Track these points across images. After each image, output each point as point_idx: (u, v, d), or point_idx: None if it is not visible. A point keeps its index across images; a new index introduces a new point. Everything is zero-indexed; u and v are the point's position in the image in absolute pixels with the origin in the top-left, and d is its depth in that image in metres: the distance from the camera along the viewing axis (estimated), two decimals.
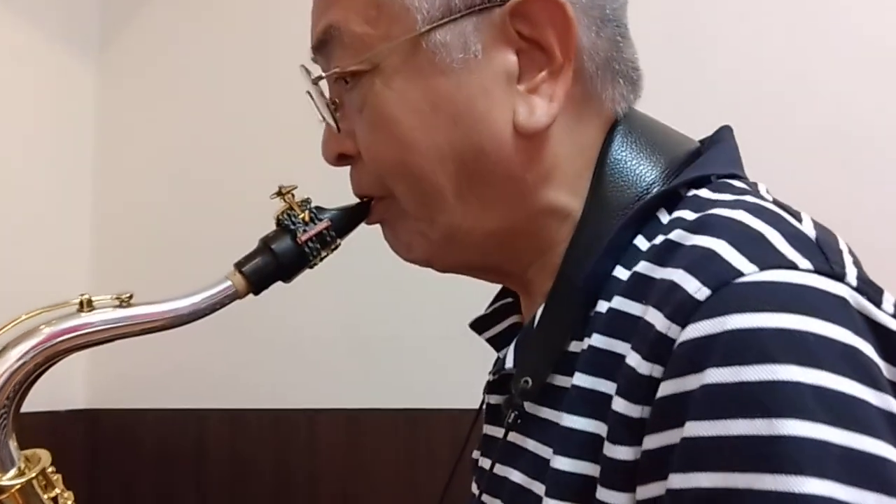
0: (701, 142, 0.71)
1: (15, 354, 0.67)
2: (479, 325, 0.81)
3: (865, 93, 1.40)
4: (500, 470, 0.67)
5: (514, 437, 0.66)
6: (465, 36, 0.64)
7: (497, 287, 0.81)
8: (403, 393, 1.74)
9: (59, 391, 1.96)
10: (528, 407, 0.64)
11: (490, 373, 0.74)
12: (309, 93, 0.72)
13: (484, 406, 0.78)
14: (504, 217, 0.67)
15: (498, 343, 0.80)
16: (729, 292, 0.50)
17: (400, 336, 1.76)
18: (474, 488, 0.76)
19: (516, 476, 0.66)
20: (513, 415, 0.64)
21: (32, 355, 0.67)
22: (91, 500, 1.96)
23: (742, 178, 0.66)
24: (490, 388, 0.74)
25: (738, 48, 1.48)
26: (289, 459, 1.84)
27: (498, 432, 0.72)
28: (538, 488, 0.61)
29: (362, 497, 1.77)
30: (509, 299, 0.80)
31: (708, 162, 0.66)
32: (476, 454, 0.79)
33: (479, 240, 0.68)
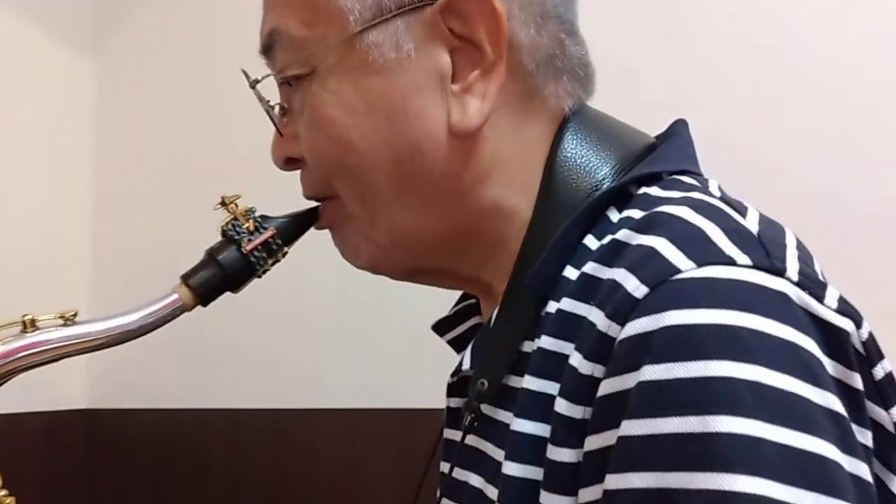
0: (656, 137, 0.70)
1: None
2: (440, 327, 0.81)
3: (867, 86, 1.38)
4: (459, 474, 0.67)
5: (471, 440, 0.66)
6: (397, 35, 0.63)
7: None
8: (402, 393, 1.73)
9: (58, 391, 1.97)
10: (485, 409, 0.63)
11: (450, 375, 0.73)
12: (262, 102, 0.72)
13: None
14: (446, 217, 0.67)
15: (458, 345, 0.79)
16: (665, 289, 0.50)
17: (399, 336, 1.76)
18: (438, 493, 0.75)
19: (475, 480, 0.65)
20: (469, 417, 0.63)
21: None
22: (90, 500, 1.97)
23: (694, 173, 0.65)
24: (450, 391, 0.74)
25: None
26: (287, 459, 1.84)
27: (457, 436, 0.72)
28: (492, 493, 0.61)
29: (361, 497, 1.77)
30: (472, 300, 0.79)
31: (660, 158, 0.66)
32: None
33: (425, 242, 0.68)
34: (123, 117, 2.16)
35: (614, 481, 0.47)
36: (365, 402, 1.76)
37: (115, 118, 2.17)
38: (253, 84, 0.70)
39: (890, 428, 0.51)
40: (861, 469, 0.47)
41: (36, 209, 2.03)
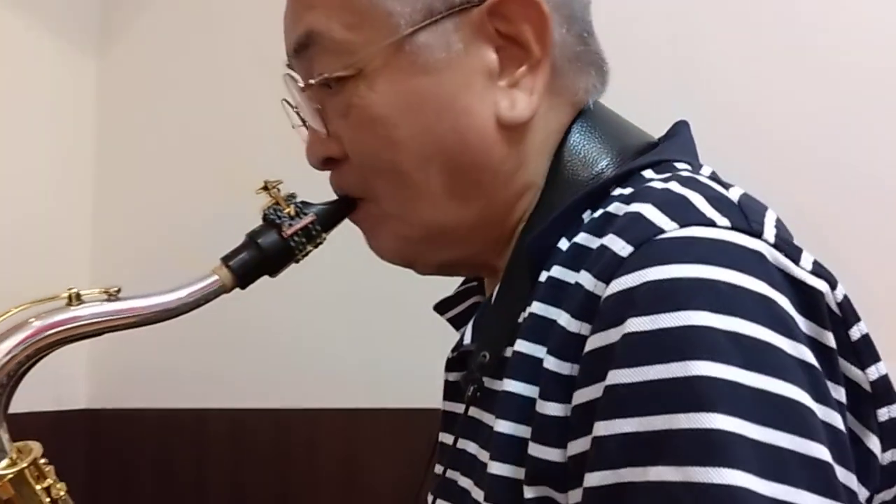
0: (659, 138, 0.74)
1: (4, 348, 0.68)
2: (442, 307, 0.84)
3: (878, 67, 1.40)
4: (462, 444, 0.69)
5: (473, 411, 0.68)
6: (446, 36, 0.66)
7: None
8: (403, 392, 1.74)
9: (59, 391, 1.96)
10: (486, 381, 0.66)
11: (451, 351, 0.75)
12: (286, 101, 0.74)
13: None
14: (482, 209, 0.70)
15: (458, 322, 0.83)
16: (649, 247, 0.53)
17: (400, 335, 1.77)
18: (438, 468, 0.78)
19: (472, 447, 0.68)
20: (472, 388, 0.66)
21: (22, 348, 0.68)
22: (91, 500, 1.96)
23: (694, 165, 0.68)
24: (449, 365, 0.76)
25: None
26: (289, 458, 1.84)
27: (457, 408, 0.75)
28: (485, 456, 0.63)
29: (362, 497, 1.77)
30: (474, 283, 0.83)
31: (661, 151, 0.69)
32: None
33: (461, 235, 0.71)
34: (124, 117, 2.16)
35: (602, 427, 0.50)
36: (367, 402, 1.77)
37: (117, 118, 2.17)
38: (305, 87, 0.70)
39: (866, 387, 0.55)
40: (833, 418, 0.51)
41: (38, 207, 2.03)
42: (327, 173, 0.75)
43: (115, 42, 2.20)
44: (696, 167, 0.67)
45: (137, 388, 2.05)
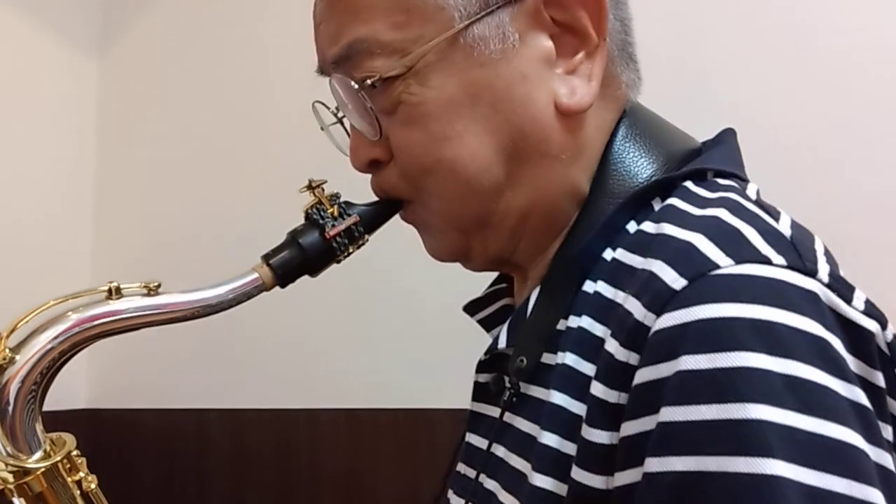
0: (703, 143, 0.73)
1: (43, 339, 0.67)
2: (471, 308, 0.83)
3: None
4: (496, 449, 0.69)
5: (506, 415, 0.68)
6: (502, 27, 0.65)
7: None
8: (404, 392, 1.74)
9: (60, 391, 1.93)
10: (522, 386, 0.66)
11: (484, 353, 0.75)
12: (319, 102, 0.73)
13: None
14: (533, 196, 0.69)
15: (488, 324, 0.82)
16: (705, 283, 0.52)
17: (400, 335, 1.77)
18: (462, 468, 0.77)
19: (500, 451, 0.67)
20: (508, 393, 0.66)
21: (60, 340, 0.67)
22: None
23: (740, 177, 0.68)
24: (480, 367, 0.76)
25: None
26: (290, 459, 1.84)
27: (485, 409, 0.75)
28: (523, 465, 0.63)
29: (363, 497, 1.77)
30: (503, 285, 0.82)
31: (707, 159, 0.69)
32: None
33: (511, 223, 0.70)
34: (127, 116, 2.18)
35: (655, 464, 0.50)
36: (368, 402, 1.78)
37: (119, 116, 2.19)
38: (360, 87, 0.67)
39: None
40: (885, 459, 0.50)
41: (38, 206, 2.04)
42: (341, 177, 0.75)
43: (117, 43, 2.21)
44: (743, 184, 0.66)
45: (138, 388, 2.05)
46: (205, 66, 2.09)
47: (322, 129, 0.76)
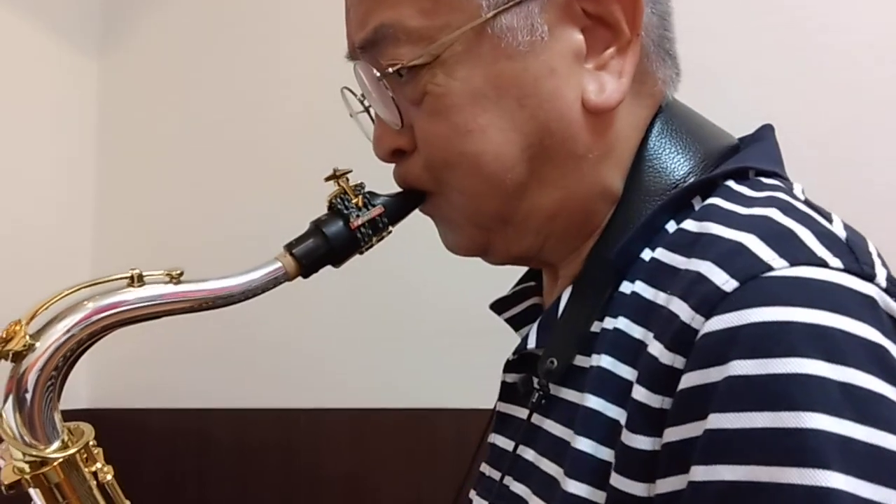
0: (740, 139, 0.72)
1: (62, 328, 0.67)
2: (498, 306, 0.81)
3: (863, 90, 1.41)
4: (522, 451, 0.67)
5: (534, 417, 0.66)
6: (531, 18, 0.63)
7: (517, 272, 0.82)
8: (408, 392, 1.74)
9: (63, 390, 1.94)
10: (552, 388, 0.64)
11: (512, 353, 0.73)
12: (346, 88, 0.71)
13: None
14: (562, 197, 0.67)
15: (516, 323, 0.80)
16: (757, 285, 0.51)
17: (404, 335, 1.76)
18: (486, 469, 0.76)
19: (530, 455, 0.66)
20: (537, 395, 0.64)
21: (82, 328, 0.67)
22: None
23: (782, 176, 0.66)
24: (508, 367, 0.74)
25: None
26: (293, 459, 1.83)
27: (512, 410, 0.73)
28: (555, 470, 0.61)
29: (367, 497, 1.76)
30: (531, 283, 0.81)
31: (748, 157, 0.67)
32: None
33: (536, 223, 0.68)
34: (127, 115, 2.18)
35: (702, 473, 0.48)
36: (372, 402, 1.77)
37: (119, 116, 2.19)
38: (382, 76, 0.66)
39: None
40: None
41: (40, 207, 2.04)
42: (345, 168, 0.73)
43: (117, 43, 2.21)
44: (788, 183, 0.64)
45: (140, 388, 2.04)
46: (205, 66, 2.09)
47: (350, 116, 0.75)
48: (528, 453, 0.66)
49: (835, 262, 0.52)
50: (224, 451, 1.91)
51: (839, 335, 0.48)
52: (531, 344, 0.67)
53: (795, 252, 0.52)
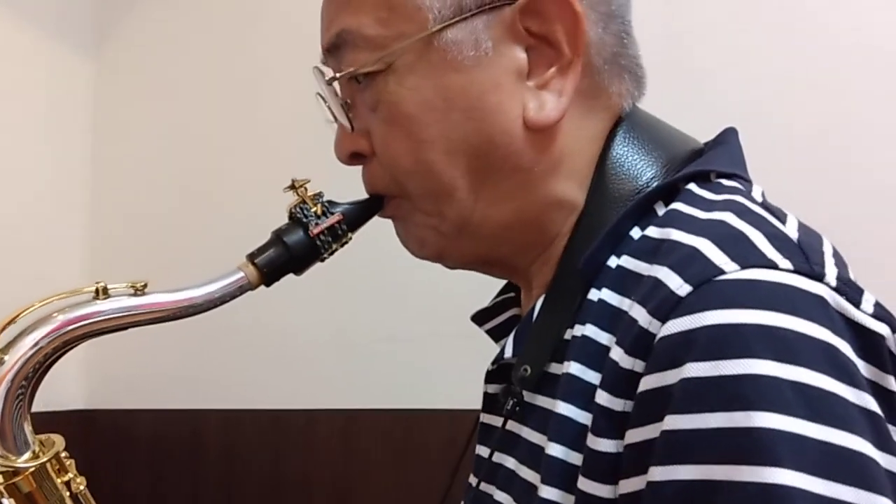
0: (705, 144, 0.73)
1: (30, 340, 0.68)
2: (479, 318, 0.83)
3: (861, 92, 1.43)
4: (499, 458, 0.69)
5: (511, 425, 0.68)
6: (476, 33, 0.66)
7: (500, 283, 0.83)
8: (399, 394, 1.75)
9: (55, 391, 1.94)
10: (526, 395, 0.66)
11: (491, 363, 0.75)
12: (319, 94, 0.73)
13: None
14: (514, 209, 0.69)
15: (496, 334, 0.82)
16: (710, 289, 0.52)
17: (395, 337, 1.77)
18: (472, 479, 0.77)
19: (510, 462, 0.67)
20: (511, 402, 0.66)
21: (49, 340, 0.68)
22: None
23: (744, 178, 0.67)
24: (488, 377, 0.76)
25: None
26: (285, 460, 1.85)
27: (494, 421, 0.74)
28: (534, 477, 0.62)
29: (357, 498, 1.78)
30: (511, 294, 0.82)
31: (709, 160, 0.68)
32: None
33: (489, 232, 0.70)
34: (121, 115, 2.17)
35: (660, 473, 0.49)
36: (363, 403, 1.78)
37: (113, 116, 2.18)
38: (330, 81, 0.70)
39: None
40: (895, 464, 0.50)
41: (32, 206, 2.04)
42: (334, 175, 0.75)
43: (109, 42, 2.20)
44: (748, 186, 0.65)
45: (132, 389, 2.05)
46: (201, 61, 2.09)
47: (327, 121, 0.76)
48: (509, 461, 0.67)
49: (784, 263, 0.53)
50: (216, 452, 1.92)
51: (790, 335, 0.49)
52: (508, 353, 0.69)
53: (746, 255, 0.53)
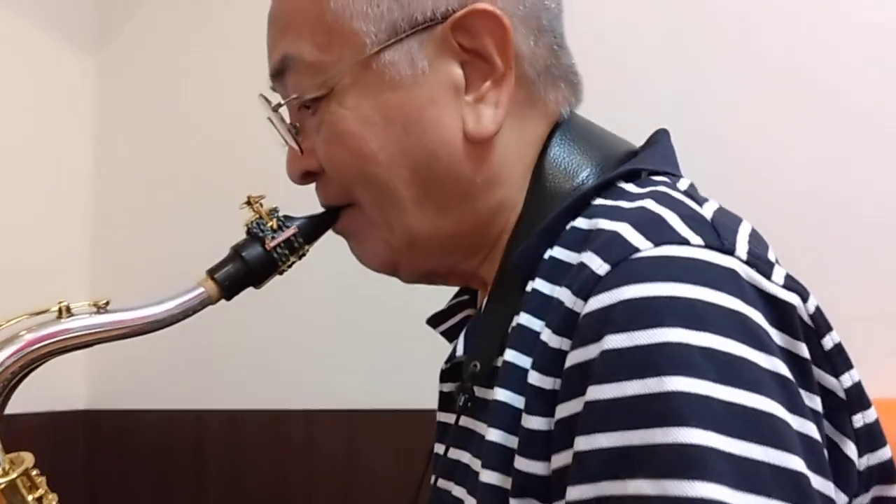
0: (640, 147, 0.75)
1: None
2: (434, 320, 0.86)
3: (865, 88, 1.43)
4: (454, 454, 0.71)
5: (465, 420, 0.70)
6: (411, 53, 0.68)
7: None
8: (401, 394, 1.76)
9: (58, 392, 1.99)
10: (477, 391, 0.68)
11: (444, 363, 0.77)
12: (270, 119, 0.75)
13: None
14: (459, 219, 0.71)
15: (450, 336, 0.84)
16: (626, 267, 0.55)
17: (397, 337, 1.78)
18: (433, 479, 0.79)
19: (465, 457, 0.69)
20: (463, 398, 0.68)
21: (14, 360, 0.70)
22: (89, 501, 1.99)
23: (673, 174, 0.69)
24: (443, 376, 0.78)
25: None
26: (287, 460, 1.86)
27: (449, 418, 0.76)
28: (478, 465, 0.64)
29: (360, 498, 1.79)
30: (466, 296, 0.85)
31: (642, 159, 0.71)
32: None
33: (437, 243, 0.72)
34: (123, 115, 2.18)
35: (583, 442, 0.52)
36: (364, 403, 1.79)
37: (115, 116, 2.18)
38: (276, 108, 0.72)
39: (840, 394, 0.56)
40: (808, 427, 0.52)
41: (35, 208, 2.04)
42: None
43: (111, 42, 2.21)
44: (675, 179, 0.68)
45: (135, 389, 2.06)
46: (202, 61, 2.09)
47: (283, 144, 0.78)
48: (465, 456, 0.69)
49: (696, 239, 0.56)
50: (219, 452, 1.93)
51: (699, 304, 0.52)
52: (459, 351, 0.71)
53: (660, 234, 0.56)
